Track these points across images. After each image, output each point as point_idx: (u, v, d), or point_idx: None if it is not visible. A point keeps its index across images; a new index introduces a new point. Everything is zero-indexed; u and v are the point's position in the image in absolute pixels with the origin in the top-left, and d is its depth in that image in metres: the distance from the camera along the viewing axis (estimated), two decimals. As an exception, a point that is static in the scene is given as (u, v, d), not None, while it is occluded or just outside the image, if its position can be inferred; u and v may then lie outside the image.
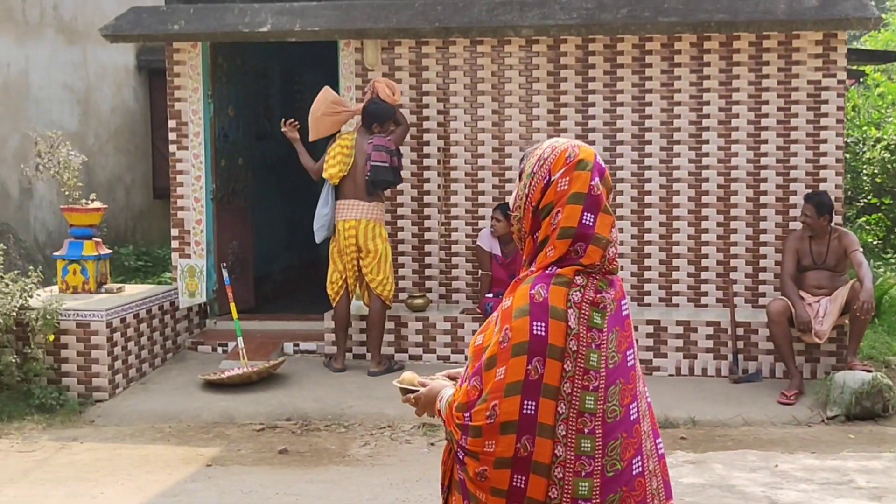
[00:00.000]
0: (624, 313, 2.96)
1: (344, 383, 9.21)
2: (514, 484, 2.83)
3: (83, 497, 6.89)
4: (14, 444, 8.08)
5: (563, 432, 2.84)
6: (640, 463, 2.92)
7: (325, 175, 9.40)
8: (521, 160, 3.05)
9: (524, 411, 2.82)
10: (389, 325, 9.74)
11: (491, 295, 9.52)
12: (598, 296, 2.90)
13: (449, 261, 10.14)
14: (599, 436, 2.86)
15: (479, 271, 9.76)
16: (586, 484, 2.83)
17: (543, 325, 2.84)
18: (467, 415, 2.88)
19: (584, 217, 2.90)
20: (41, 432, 8.35)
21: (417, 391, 3.18)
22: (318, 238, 9.55)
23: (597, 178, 2.93)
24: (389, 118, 9.37)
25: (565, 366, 2.84)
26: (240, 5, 10.09)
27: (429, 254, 10.15)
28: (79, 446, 8.02)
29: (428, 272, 10.16)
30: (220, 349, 10.16)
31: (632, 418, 2.91)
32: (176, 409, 8.75)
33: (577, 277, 2.90)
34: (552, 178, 2.93)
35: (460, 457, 2.92)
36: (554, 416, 2.83)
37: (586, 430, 2.85)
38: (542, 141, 3.07)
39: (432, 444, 7.88)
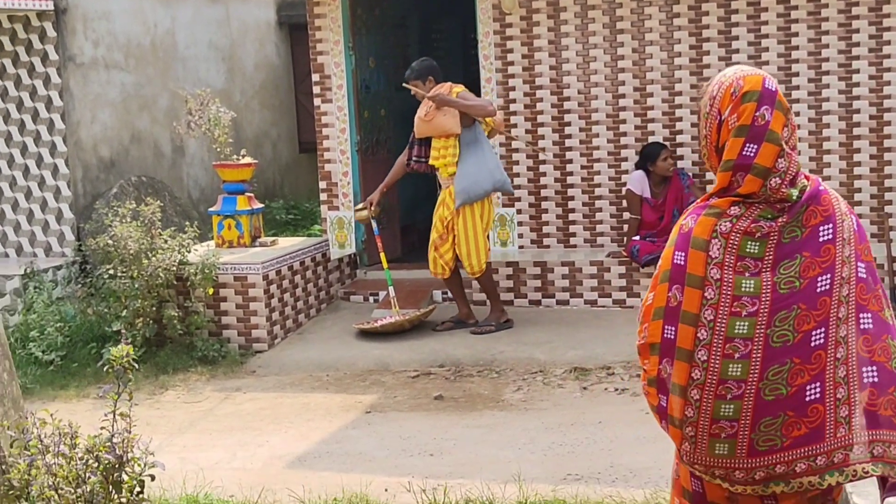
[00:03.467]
0: (822, 238, 2.96)
1: (494, 329, 9.31)
2: (660, 402, 3.06)
3: (250, 445, 7.14)
4: (180, 396, 8.41)
5: (704, 357, 2.94)
6: (817, 389, 2.90)
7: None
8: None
9: (665, 335, 3.01)
10: (536, 270, 9.78)
11: (638, 238, 9.46)
12: (755, 225, 2.95)
13: (593, 204, 10.09)
14: (757, 360, 2.91)
15: (627, 214, 9.70)
16: (731, 406, 2.92)
17: (683, 254, 3.00)
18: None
19: (745, 149, 2.96)
20: (205, 383, 8.66)
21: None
22: (510, 189, 9.41)
23: (763, 108, 2.96)
24: None
25: (706, 293, 2.95)
26: (376, -44, 10.15)
27: (572, 198, 10.11)
28: (242, 396, 8.31)
29: (572, 216, 10.14)
30: (371, 298, 10.35)
31: (812, 344, 2.91)
32: (332, 357, 8.98)
33: (732, 208, 2.98)
34: (723, 118, 3.01)
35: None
36: (692, 342, 2.96)
37: (737, 356, 2.93)
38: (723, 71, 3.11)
39: (584, 388, 7.93)
